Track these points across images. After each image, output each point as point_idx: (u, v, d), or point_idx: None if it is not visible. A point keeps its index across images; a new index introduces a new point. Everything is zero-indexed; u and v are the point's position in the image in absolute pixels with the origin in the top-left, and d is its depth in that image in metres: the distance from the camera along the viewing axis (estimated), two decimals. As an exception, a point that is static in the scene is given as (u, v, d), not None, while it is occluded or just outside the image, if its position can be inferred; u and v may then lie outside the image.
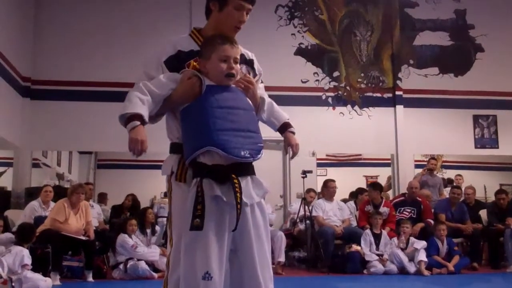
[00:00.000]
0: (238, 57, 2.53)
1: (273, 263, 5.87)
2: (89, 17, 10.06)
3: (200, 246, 2.28)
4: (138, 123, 2.34)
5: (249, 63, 2.75)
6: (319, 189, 9.54)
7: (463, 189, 9.76)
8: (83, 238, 7.00)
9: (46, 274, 6.14)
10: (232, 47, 2.50)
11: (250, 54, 2.79)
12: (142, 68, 2.57)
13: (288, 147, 2.71)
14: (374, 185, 8.96)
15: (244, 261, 2.39)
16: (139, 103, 2.38)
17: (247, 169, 2.42)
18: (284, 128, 2.74)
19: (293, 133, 2.74)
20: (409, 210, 8.64)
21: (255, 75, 2.75)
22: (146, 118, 2.38)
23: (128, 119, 2.36)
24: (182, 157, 2.47)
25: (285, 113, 2.80)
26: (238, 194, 2.29)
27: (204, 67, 2.50)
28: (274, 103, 2.77)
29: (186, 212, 2.33)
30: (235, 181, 2.31)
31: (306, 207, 8.24)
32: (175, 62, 2.55)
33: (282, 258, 7.71)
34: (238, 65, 2.53)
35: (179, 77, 2.49)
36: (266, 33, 9.97)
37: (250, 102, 2.55)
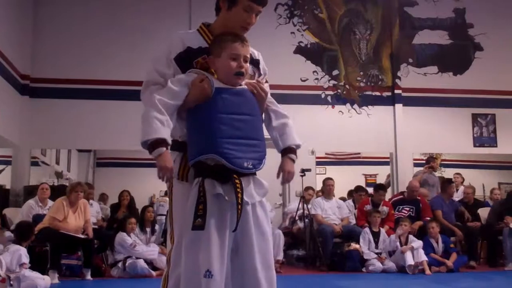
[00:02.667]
0: (248, 55, 2.52)
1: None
2: (89, 15, 10.05)
3: (202, 244, 2.29)
4: (164, 149, 2.33)
5: (254, 63, 2.71)
6: (318, 188, 9.55)
7: (461, 188, 9.78)
8: (82, 236, 7.00)
9: (44, 272, 6.14)
10: (243, 46, 2.49)
11: (257, 54, 2.74)
12: (152, 64, 2.55)
13: (281, 172, 2.62)
14: (379, 187, 8.95)
15: (245, 260, 2.38)
16: (159, 125, 2.34)
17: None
18: (286, 152, 2.64)
19: (293, 160, 2.63)
20: (407, 209, 8.63)
21: (259, 75, 2.73)
22: (169, 140, 2.36)
23: (152, 144, 2.33)
24: (184, 155, 2.47)
25: (296, 137, 2.67)
26: (239, 195, 2.30)
27: (213, 65, 2.49)
28: (289, 124, 2.67)
29: (188, 210, 2.34)
30: (237, 181, 2.32)
31: (305, 206, 8.25)
32: (184, 59, 2.52)
33: (280, 256, 7.72)
34: (248, 63, 2.52)
35: (190, 80, 2.46)
36: (265, 32, 9.94)
37: (257, 106, 2.52)
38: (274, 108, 2.69)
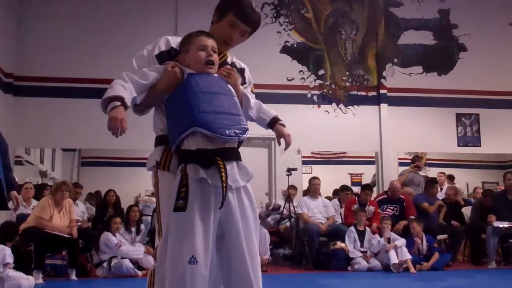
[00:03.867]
0: (215, 46, 2.56)
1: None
2: (74, 14, 10.00)
3: (186, 230, 2.29)
4: (119, 103, 2.31)
5: (239, 71, 2.76)
6: (304, 187, 9.57)
7: (445, 188, 9.84)
8: (66, 236, 6.94)
9: (28, 272, 6.09)
10: (208, 38, 2.55)
11: (243, 65, 2.82)
12: (134, 59, 2.57)
13: (281, 138, 2.72)
14: (366, 187, 9.00)
15: (231, 246, 2.38)
16: (121, 88, 2.36)
17: (232, 154, 2.44)
18: (274, 122, 2.76)
19: (283, 125, 2.76)
20: (392, 208, 8.70)
21: (244, 83, 2.78)
22: (128, 102, 2.35)
23: (108, 101, 2.33)
24: (166, 147, 2.49)
25: (273, 110, 2.81)
26: (223, 174, 2.30)
27: (184, 61, 2.53)
28: (261, 103, 2.79)
29: (172, 200, 2.33)
30: (220, 163, 2.32)
31: (291, 205, 8.27)
32: (166, 58, 2.57)
33: (267, 255, 7.74)
34: (216, 54, 2.55)
35: (162, 68, 2.50)
36: (251, 31, 9.95)
37: (231, 88, 2.56)
38: (248, 91, 2.76)
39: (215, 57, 2.54)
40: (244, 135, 2.45)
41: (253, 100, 2.74)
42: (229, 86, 2.56)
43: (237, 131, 2.41)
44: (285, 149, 2.79)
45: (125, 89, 2.36)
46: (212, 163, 2.33)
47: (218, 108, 2.40)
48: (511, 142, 10.90)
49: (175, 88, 2.45)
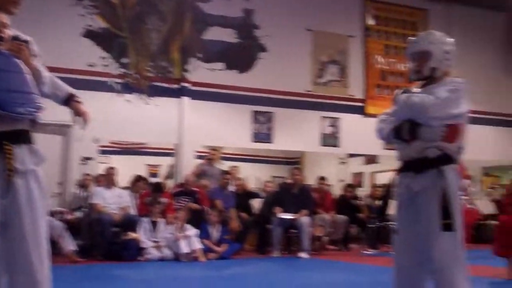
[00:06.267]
0: (7, 22, 2.44)
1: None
2: None
3: None
4: None
5: (23, 42, 2.61)
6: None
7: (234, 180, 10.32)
8: None
9: None
10: None
11: (27, 37, 2.65)
12: None
13: (77, 116, 2.67)
14: (156, 189, 9.05)
15: (15, 235, 2.30)
16: None
17: (23, 137, 2.36)
18: (70, 99, 2.69)
19: (81, 102, 2.70)
20: (186, 199, 8.96)
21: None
22: None
23: None
24: None
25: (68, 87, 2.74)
26: (10, 161, 2.23)
27: None
28: (55, 77, 2.70)
29: None
30: (7, 147, 2.24)
31: (85, 194, 8.07)
32: None
33: (72, 246, 7.46)
34: (8, 30, 2.44)
35: None
36: (52, 11, 9.42)
37: (21, 65, 2.44)
38: (40, 64, 2.64)
39: (7, 34, 2.41)
40: (36, 112, 2.37)
41: (45, 74, 2.63)
42: (20, 63, 2.43)
43: (29, 109, 2.32)
44: (83, 128, 2.73)
45: None
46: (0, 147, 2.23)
47: (9, 85, 2.29)
48: (298, 140, 11.72)
49: None
